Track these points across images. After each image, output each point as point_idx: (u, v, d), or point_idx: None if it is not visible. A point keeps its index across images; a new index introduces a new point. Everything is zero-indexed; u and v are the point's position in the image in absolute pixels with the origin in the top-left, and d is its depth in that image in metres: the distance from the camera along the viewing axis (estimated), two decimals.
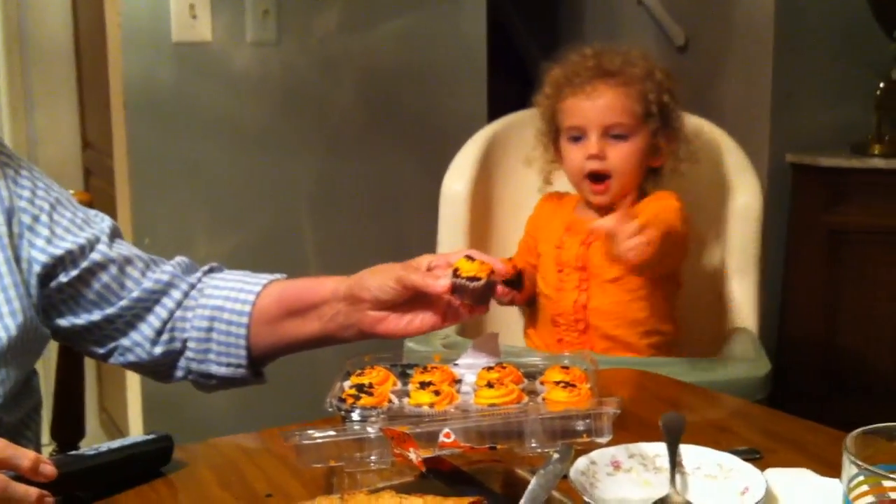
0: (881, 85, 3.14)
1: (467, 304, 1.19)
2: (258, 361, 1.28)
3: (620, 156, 1.71)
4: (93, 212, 1.28)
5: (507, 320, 1.97)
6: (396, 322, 1.21)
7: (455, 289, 1.16)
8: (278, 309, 1.24)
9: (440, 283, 1.15)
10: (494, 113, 2.32)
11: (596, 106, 1.72)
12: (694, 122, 1.97)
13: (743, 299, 1.83)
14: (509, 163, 2.01)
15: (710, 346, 1.84)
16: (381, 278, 1.19)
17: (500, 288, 1.19)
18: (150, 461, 1.05)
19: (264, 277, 1.29)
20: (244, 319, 1.24)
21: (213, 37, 2.37)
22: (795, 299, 3.20)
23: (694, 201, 1.94)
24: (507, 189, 2.04)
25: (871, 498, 0.66)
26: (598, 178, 1.74)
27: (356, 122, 2.59)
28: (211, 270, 1.32)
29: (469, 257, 1.17)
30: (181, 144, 2.39)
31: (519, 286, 1.78)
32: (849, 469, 0.67)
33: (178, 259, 1.31)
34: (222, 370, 1.26)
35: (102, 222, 1.26)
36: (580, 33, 3.86)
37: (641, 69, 1.74)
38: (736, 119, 3.02)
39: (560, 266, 1.78)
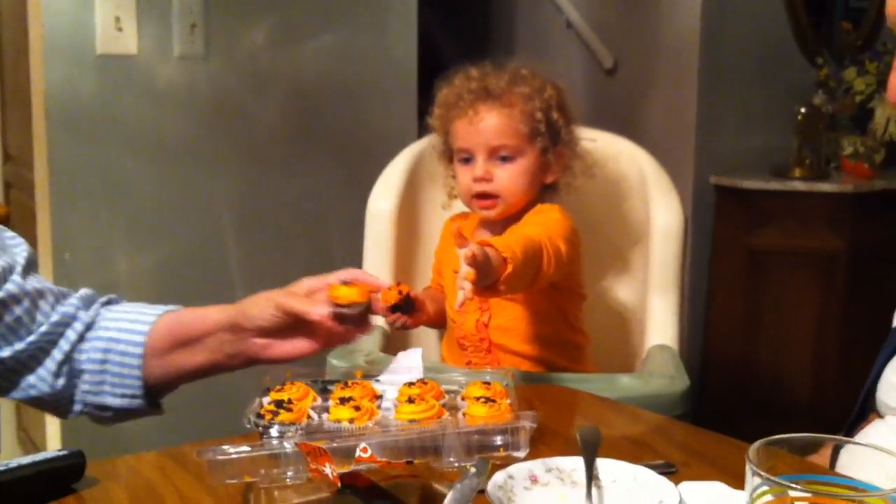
0: (802, 110, 3.23)
1: (350, 329, 1.22)
2: (154, 392, 1.27)
3: (507, 177, 1.71)
4: (9, 234, 1.25)
5: (429, 337, 1.97)
6: (281, 348, 1.23)
7: (334, 316, 1.19)
8: (168, 340, 1.24)
9: (318, 310, 1.18)
10: (424, 130, 2.33)
11: (480, 129, 1.71)
12: (617, 143, 2.00)
13: (663, 317, 1.85)
14: (436, 180, 2.01)
15: (631, 362, 1.86)
16: (262, 306, 1.21)
17: (379, 307, 1.24)
18: (61, 477, 1.03)
19: (160, 308, 1.28)
20: (138, 350, 1.23)
21: (138, 50, 2.34)
22: (717, 318, 3.26)
23: (616, 220, 1.97)
24: (433, 206, 2.04)
25: None
26: (486, 196, 1.74)
27: (283, 138, 2.58)
28: (109, 302, 1.31)
29: (346, 282, 1.21)
30: (104, 158, 2.36)
31: (408, 310, 1.75)
32: (752, 480, 0.68)
33: (83, 291, 1.29)
34: (117, 401, 1.25)
35: (18, 247, 1.24)
36: (511, 55, 3.89)
37: (529, 87, 1.73)
38: (662, 141, 3.07)
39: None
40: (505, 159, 1.71)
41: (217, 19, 2.43)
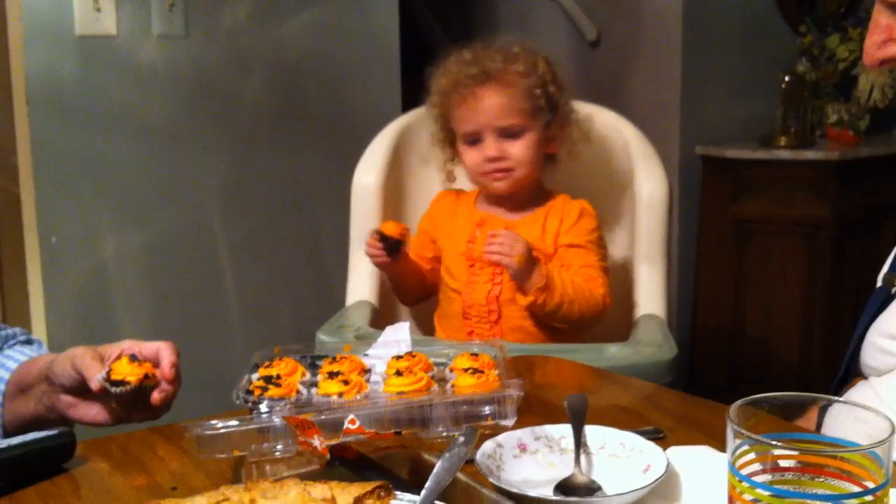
0: (786, 78, 3.23)
1: (124, 409, 1.14)
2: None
3: (519, 151, 1.78)
4: None
5: (419, 312, 1.98)
6: (83, 410, 1.15)
7: (103, 389, 1.10)
8: (13, 385, 1.20)
9: (97, 378, 1.10)
10: (408, 106, 2.32)
11: (486, 111, 1.77)
12: (602, 115, 2.00)
13: (651, 286, 1.86)
14: (420, 154, 2.01)
15: (621, 332, 1.87)
16: (65, 362, 1.13)
17: (155, 395, 1.12)
18: (52, 457, 1.03)
19: (37, 351, 1.25)
20: None
21: (118, 30, 2.32)
22: (706, 287, 3.27)
23: (602, 192, 1.98)
24: (418, 180, 2.04)
25: (757, 466, 0.67)
26: (499, 170, 1.80)
27: (266, 117, 2.57)
28: (26, 342, 1.29)
29: (133, 357, 1.12)
30: (87, 141, 2.34)
31: (392, 252, 1.77)
32: (733, 439, 0.68)
33: (17, 330, 1.29)
34: None
35: None
36: (493, 28, 3.88)
37: (524, 64, 1.78)
38: (647, 113, 3.07)
39: (471, 261, 1.80)
40: (513, 136, 1.77)
41: None
